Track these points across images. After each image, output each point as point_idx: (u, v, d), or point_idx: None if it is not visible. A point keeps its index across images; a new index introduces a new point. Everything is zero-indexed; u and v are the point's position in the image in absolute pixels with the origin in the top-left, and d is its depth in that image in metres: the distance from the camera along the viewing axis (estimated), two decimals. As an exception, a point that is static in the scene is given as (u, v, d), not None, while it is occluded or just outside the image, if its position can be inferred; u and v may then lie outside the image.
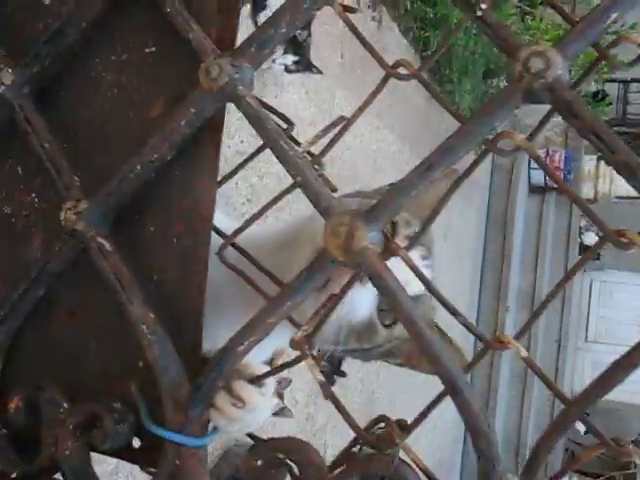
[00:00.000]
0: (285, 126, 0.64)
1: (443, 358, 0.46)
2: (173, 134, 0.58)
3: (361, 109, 0.56)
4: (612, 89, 7.57)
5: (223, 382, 0.53)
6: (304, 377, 3.46)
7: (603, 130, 0.44)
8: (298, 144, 0.55)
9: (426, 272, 0.70)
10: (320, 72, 2.95)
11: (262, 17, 2.65)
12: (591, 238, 7.29)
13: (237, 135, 2.64)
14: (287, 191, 0.57)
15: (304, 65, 2.74)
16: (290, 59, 2.72)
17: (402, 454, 0.51)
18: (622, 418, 7.58)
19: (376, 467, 0.48)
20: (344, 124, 0.57)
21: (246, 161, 0.62)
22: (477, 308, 6.61)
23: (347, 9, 0.56)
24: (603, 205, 7.38)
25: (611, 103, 6.80)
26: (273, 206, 0.60)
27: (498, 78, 6.20)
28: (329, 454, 3.78)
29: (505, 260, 6.60)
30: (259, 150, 0.60)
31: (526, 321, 0.51)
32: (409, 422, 0.51)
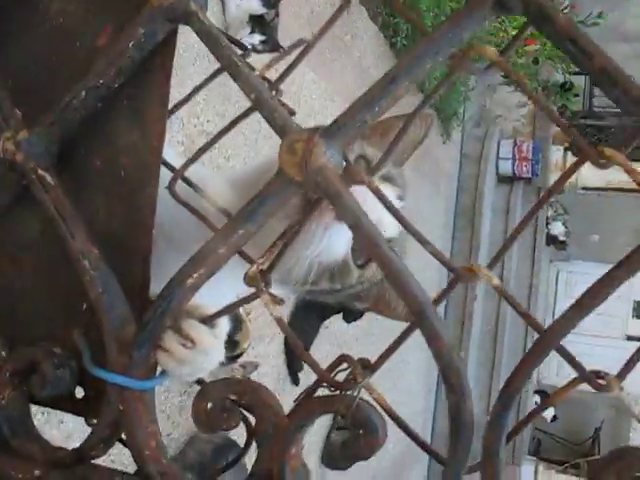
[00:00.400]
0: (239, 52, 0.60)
1: (411, 284, 0.42)
2: (120, 58, 0.54)
3: (321, 33, 0.53)
4: (579, 82, 7.64)
5: (171, 320, 0.49)
6: (272, 362, 3.43)
7: (578, 34, 0.40)
8: (253, 70, 0.51)
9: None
10: (288, 53, 2.90)
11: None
12: (558, 228, 7.36)
13: (203, 115, 2.59)
14: (244, 115, 0.53)
15: (271, 45, 2.69)
16: (257, 38, 2.67)
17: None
18: (587, 407, 7.68)
19: (337, 407, 0.44)
20: (303, 48, 0.53)
21: (206, 82, 0.58)
22: (451, 242, 6.61)
23: None
24: (570, 196, 7.46)
25: (578, 95, 6.84)
26: (227, 133, 0.55)
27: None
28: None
29: (473, 250, 6.63)
30: (216, 73, 0.56)
31: (497, 252, 0.48)
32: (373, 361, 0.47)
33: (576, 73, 7.14)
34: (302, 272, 0.68)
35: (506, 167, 6.99)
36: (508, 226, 7.02)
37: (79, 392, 0.56)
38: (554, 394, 0.44)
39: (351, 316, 3.90)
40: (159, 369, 0.52)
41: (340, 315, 3.80)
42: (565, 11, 6.30)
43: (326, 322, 3.74)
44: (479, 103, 7.33)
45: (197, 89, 0.58)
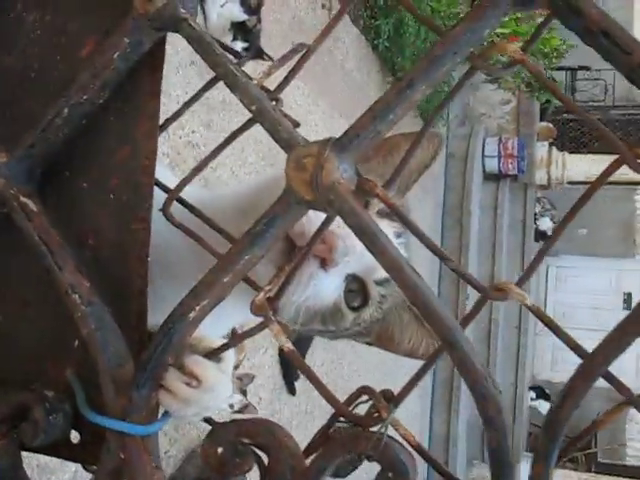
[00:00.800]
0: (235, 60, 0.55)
1: (439, 311, 0.38)
2: (105, 70, 0.49)
3: (324, 34, 0.48)
4: (560, 77, 7.65)
5: (173, 357, 0.45)
6: (267, 372, 3.38)
7: (613, 27, 0.37)
8: (251, 79, 0.47)
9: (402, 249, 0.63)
10: (271, 59, 2.86)
11: None
12: (546, 223, 7.37)
13: (188, 126, 2.55)
14: (243, 128, 0.49)
15: (254, 52, 2.64)
16: (240, 46, 2.63)
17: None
18: (582, 400, 7.67)
19: (362, 447, 0.40)
20: (304, 52, 0.49)
21: (200, 92, 0.53)
22: (440, 243, 6.59)
23: None
24: (557, 191, 7.47)
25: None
26: (225, 148, 0.51)
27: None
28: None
29: (463, 249, 6.60)
30: (210, 83, 0.51)
31: (527, 268, 0.44)
32: (396, 393, 0.43)
33: (558, 68, 7.14)
34: (290, 315, 0.63)
35: (492, 165, 6.99)
36: (496, 223, 7.01)
37: (75, 436, 0.51)
38: (600, 421, 0.40)
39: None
40: (161, 410, 0.47)
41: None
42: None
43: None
44: (462, 102, 7.34)
45: (192, 101, 0.54)
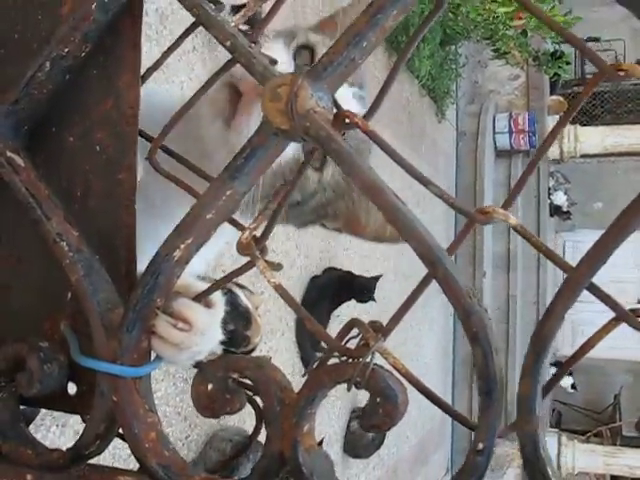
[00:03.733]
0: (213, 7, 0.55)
1: (421, 231, 0.38)
2: (84, 21, 0.49)
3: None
4: (569, 50, 7.57)
5: (162, 299, 0.45)
6: (285, 355, 3.38)
7: None
8: (228, 22, 0.47)
9: (358, 106, 0.64)
10: (263, 1, 2.85)
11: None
12: (560, 198, 7.31)
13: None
14: (224, 68, 0.49)
15: (256, 37, 2.64)
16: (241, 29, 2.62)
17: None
18: (604, 373, 7.64)
19: (350, 375, 0.40)
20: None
21: (180, 39, 0.53)
22: (454, 224, 6.56)
23: None
24: (570, 165, 7.40)
25: (570, 62, 6.77)
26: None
27: (456, 45, 6.17)
28: (317, 433, 3.71)
29: (477, 227, 6.57)
30: (189, 29, 0.51)
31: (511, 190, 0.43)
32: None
33: (567, 41, 7.06)
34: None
35: (503, 141, 6.94)
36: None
37: (72, 388, 0.52)
38: (592, 337, 0.40)
39: (365, 296, 3.89)
40: (154, 354, 0.47)
41: (350, 304, 3.77)
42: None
43: (336, 311, 3.70)
44: (471, 80, 7.29)
45: (170, 50, 0.54)
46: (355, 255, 4.26)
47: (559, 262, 0.38)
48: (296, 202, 0.66)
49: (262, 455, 0.39)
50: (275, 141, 0.41)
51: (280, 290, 0.42)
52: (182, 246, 0.43)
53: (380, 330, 0.42)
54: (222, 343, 0.54)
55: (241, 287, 2.73)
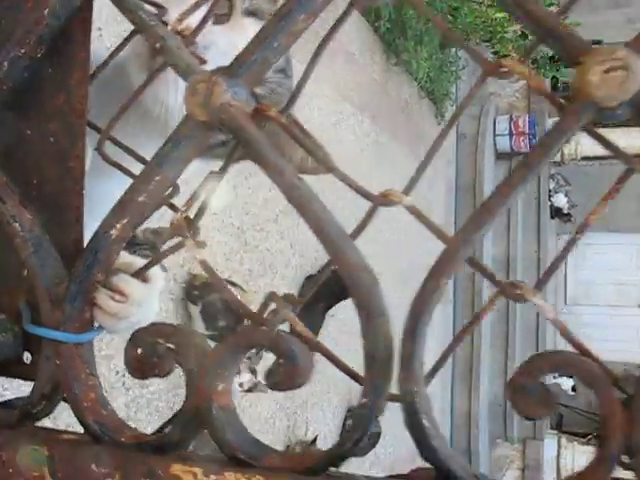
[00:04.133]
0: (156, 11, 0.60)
1: (318, 211, 0.43)
2: (38, 26, 0.54)
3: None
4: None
5: (102, 274, 0.50)
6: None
7: None
8: (165, 24, 0.52)
9: None
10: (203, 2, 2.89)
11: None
12: (561, 200, 7.33)
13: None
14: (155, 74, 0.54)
15: (193, 39, 2.69)
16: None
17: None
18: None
19: (257, 339, 0.45)
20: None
21: (121, 45, 0.59)
22: (453, 280, 6.61)
23: None
24: (570, 167, 7.43)
25: (568, 65, 6.79)
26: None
27: (455, 48, 6.21)
28: (311, 431, 3.76)
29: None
30: (131, 35, 0.56)
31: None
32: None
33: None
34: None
35: (504, 143, 6.98)
36: (511, 202, 6.98)
37: (28, 358, 0.57)
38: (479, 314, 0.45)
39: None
40: (97, 324, 0.53)
41: (347, 303, 3.81)
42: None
43: (331, 311, 3.73)
44: (472, 82, 7.31)
45: (115, 52, 0.59)
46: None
47: (437, 232, 0.43)
48: (221, 142, 0.71)
49: (180, 410, 0.44)
50: (197, 131, 0.46)
51: (204, 265, 0.47)
52: (118, 226, 0.48)
53: (290, 301, 0.47)
54: (214, 338, 0.59)
55: (233, 285, 2.79)
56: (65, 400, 0.51)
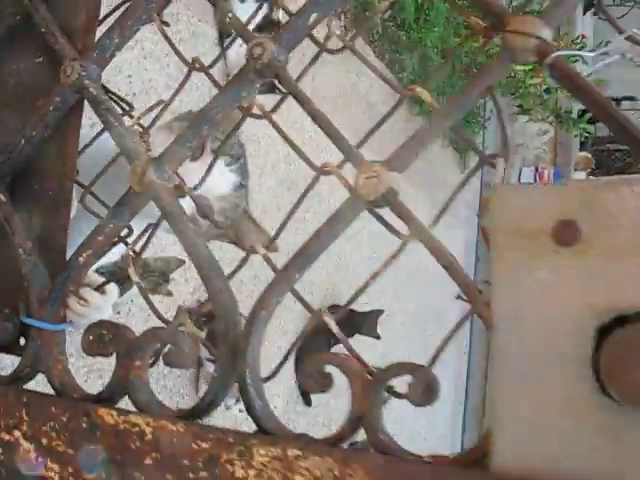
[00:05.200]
0: (127, 108, 0.87)
1: (208, 267, 0.68)
2: (46, 116, 0.81)
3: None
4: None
5: (74, 286, 0.76)
6: (283, 383, 3.65)
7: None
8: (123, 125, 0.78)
9: (232, 176, 0.95)
10: (282, 92, 3.18)
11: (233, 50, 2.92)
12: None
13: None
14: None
15: (267, 87, 2.98)
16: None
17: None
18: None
19: (161, 333, 0.69)
20: (165, 103, 0.80)
21: (97, 135, 0.85)
22: (474, 273, 6.68)
23: (164, 23, 0.79)
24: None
25: (593, 122, 6.97)
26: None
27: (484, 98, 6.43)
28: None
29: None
30: (98, 134, 0.83)
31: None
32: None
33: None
34: None
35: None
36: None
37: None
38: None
39: (367, 331, 4.09)
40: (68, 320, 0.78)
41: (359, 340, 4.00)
42: (576, 41, 6.52)
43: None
44: (498, 132, 7.53)
45: (97, 136, 0.86)
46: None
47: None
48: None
49: (111, 379, 0.69)
50: (135, 199, 0.71)
51: (139, 287, 0.73)
52: (84, 255, 0.74)
53: (190, 312, 0.72)
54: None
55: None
56: (42, 371, 0.77)
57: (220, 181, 0.95)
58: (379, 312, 4.20)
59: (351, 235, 4.31)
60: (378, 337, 4.20)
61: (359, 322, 4.12)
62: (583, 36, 6.53)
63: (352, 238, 4.47)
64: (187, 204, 0.91)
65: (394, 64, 4.88)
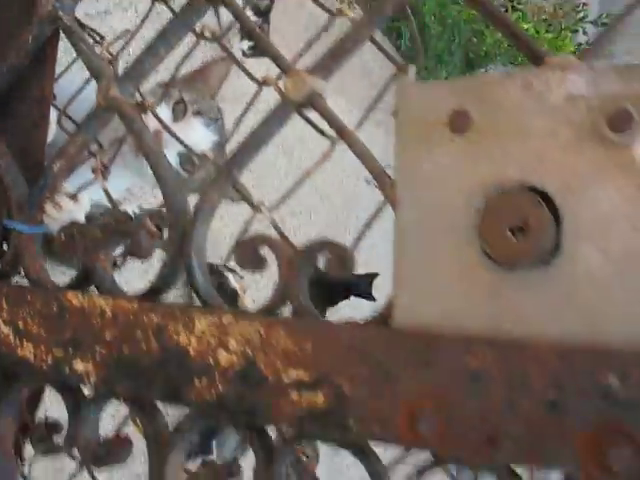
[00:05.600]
0: (98, 38, 0.97)
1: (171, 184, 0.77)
2: (26, 44, 0.91)
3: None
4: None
5: (50, 193, 0.86)
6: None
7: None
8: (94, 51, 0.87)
9: (211, 135, 1.05)
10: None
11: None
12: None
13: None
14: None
15: (260, 50, 3.06)
16: (246, 45, 3.05)
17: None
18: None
19: (122, 228, 0.79)
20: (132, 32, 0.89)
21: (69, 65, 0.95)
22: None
23: None
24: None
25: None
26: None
27: (485, 67, 6.47)
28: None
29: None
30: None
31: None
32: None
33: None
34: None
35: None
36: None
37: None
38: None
39: (362, 294, 4.16)
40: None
41: (348, 302, 4.08)
42: (578, 9, 6.53)
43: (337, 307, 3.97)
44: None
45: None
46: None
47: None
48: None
49: (79, 269, 0.79)
50: (100, 112, 0.81)
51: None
52: (58, 163, 0.84)
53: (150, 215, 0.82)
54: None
55: (231, 271, 3.13)
56: (22, 268, 0.87)
57: (200, 139, 1.08)
58: (374, 275, 4.28)
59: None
60: (374, 299, 4.28)
61: (354, 283, 4.20)
62: (585, 4, 6.54)
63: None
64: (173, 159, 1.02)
65: (391, 31, 4.92)
